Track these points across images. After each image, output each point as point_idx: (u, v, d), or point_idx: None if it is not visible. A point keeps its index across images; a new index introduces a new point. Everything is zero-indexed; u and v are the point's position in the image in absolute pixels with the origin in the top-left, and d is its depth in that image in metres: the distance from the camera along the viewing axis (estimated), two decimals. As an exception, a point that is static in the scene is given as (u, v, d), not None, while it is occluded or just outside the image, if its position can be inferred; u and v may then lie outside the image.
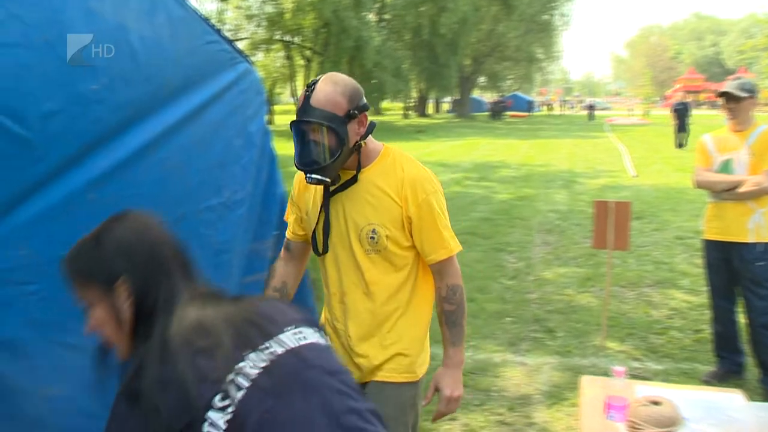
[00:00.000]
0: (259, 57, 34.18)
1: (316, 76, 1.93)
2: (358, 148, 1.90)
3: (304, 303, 2.59)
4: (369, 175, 1.94)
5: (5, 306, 1.86)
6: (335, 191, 1.96)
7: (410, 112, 48.57)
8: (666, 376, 3.97)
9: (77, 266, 1.27)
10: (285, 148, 1.91)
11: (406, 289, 2.00)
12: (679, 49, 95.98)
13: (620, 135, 26.28)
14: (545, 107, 64.09)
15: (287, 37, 33.46)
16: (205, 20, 2.38)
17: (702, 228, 4.00)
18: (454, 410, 2.06)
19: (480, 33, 42.71)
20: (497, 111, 45.55)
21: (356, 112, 1.85)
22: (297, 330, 1.23)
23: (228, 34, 2.54)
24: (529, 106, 53.67)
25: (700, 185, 3.85)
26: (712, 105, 46.93)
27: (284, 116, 31.36)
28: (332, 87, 1.84)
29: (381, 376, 1.99)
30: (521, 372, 4.11)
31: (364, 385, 2.01)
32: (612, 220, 4.37)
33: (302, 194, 2.09)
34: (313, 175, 1.86)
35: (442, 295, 2.01)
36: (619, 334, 4.72)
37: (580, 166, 15.92)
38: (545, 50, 52.84)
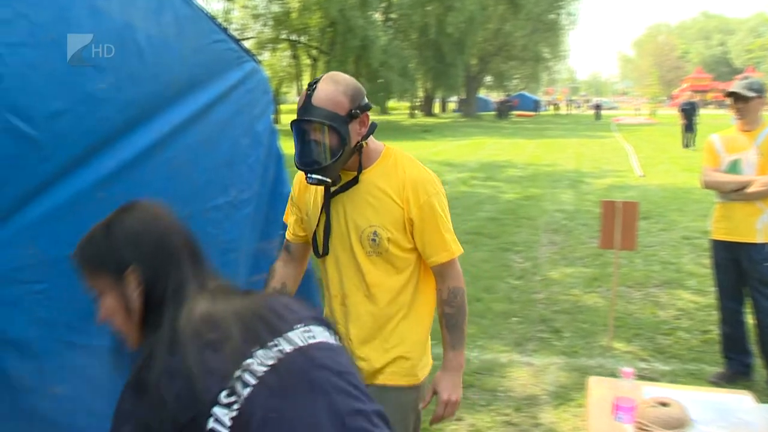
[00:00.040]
0: (265, 56, 34.21)
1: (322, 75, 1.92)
2: (359, 148, 1.87)
3: (311, 301, 2.59)
4: (370, 176, 1.92)
5: (12, 305, 1.87)
6: (336, 192, 1.93)
7: (416, 111, 48.50)
8: (673, 377, 3.96)
9: (88, 254, 1.28)
10: (291, 148, 1.90)
11: (408, 291, 1.97)
12: (687, 48, 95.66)
13: (627, 135, 26.17)
14: (552, 107, 63.81)
15: (293, 37, 33.52)
16: (212, 19, 2.38)
17: (710, 228, 3.98)
18: (451, 414, 2.04)
19: (487, 32, 42.65)
20: (503, 110, 45.45)
21: (358, 111, 1.82)
22: (306, 328, 1.22)
23: (234, 34, 2.54)
24: (535, 105, 53.53)
25: (708, 185, 3.83)
26: (720, 104, 46.71)
27: (290, 115, 30.89)
28: (334, 86, 1.81)
29: (382, 380, 1.97)
30: (528, 372, 4.09)
31: None
32: (619, 220, 4.36)
33: (302, 195, 2.07)
34: (314, 176, 1.83)
35: (443, 298, 1.99)
36: (626, 334, 4.70)
37: (586, 165, 15.86)
38: (552, 49, 52.76)
